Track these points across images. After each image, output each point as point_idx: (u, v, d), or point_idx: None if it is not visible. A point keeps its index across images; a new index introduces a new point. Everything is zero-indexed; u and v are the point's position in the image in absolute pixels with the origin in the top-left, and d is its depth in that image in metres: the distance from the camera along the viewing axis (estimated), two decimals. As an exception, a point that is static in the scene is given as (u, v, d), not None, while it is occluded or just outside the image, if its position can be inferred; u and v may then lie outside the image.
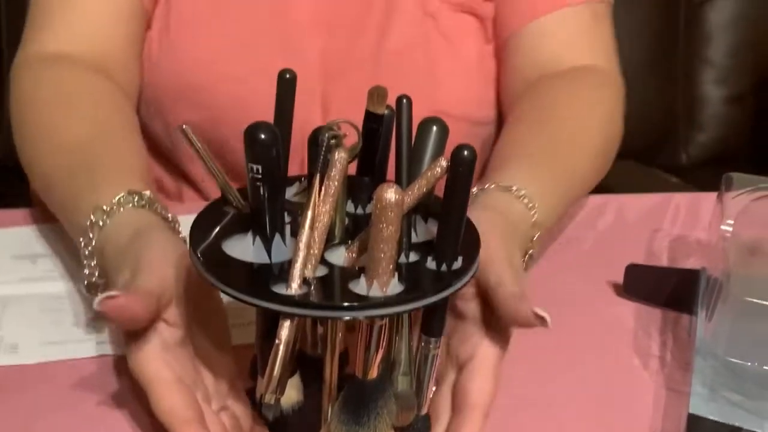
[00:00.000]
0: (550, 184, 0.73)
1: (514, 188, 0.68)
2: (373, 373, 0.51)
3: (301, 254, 0.49)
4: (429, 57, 0.89)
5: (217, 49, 0.87)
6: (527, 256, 0.68)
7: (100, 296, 0.52)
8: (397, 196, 0.46)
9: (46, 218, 0.80)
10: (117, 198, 0.64)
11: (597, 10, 0.91)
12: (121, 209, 0.64)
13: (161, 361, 0.55)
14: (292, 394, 0.54)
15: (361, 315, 0.48)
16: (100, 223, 0.63)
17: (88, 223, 0.64)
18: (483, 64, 0.92)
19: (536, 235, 0.69)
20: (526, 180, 0.70)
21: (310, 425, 0.54)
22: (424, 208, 0.54)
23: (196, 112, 0.87)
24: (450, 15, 0.90)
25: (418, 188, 0.51)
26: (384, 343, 0.51)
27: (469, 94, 0.91)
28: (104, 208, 0.64)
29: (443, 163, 0.51)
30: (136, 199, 0.64)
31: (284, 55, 0.87)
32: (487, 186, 0.69)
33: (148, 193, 0.65)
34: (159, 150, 0.93)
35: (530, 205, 0.68)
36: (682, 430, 0.59)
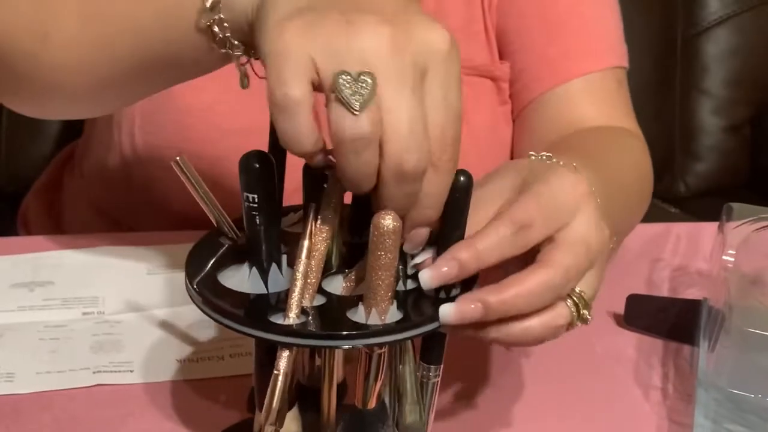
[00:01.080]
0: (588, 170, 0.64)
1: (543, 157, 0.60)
2: (372, 402, 0.50)
3: (299, 283, 0.48)
4: None
5: (217, 100, 0.85)
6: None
7: None
8: (394, 224, 0.46)
9: (43, 247, 0.79)
10: None
11: (620, 75, 0.90)
12: None
13: None
14: (291, 426, 0.54)
15: (359, 343, 0.48)
16: None
17: None
18: (496, 129, 0.90)
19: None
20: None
21: None
22: None
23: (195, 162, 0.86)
24: (465, 79, 0.88)
25: None
26: (383, 373, 0.50)
27: (480, 161, 0.88)
28: None
29: None
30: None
31: None
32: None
33: None
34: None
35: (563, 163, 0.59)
36: (685, 462, 0.59)
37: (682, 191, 1.72)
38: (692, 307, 0.73)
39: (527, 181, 0.54)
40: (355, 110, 0.45)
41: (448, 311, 0.49)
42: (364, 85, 0.45)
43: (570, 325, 0.53)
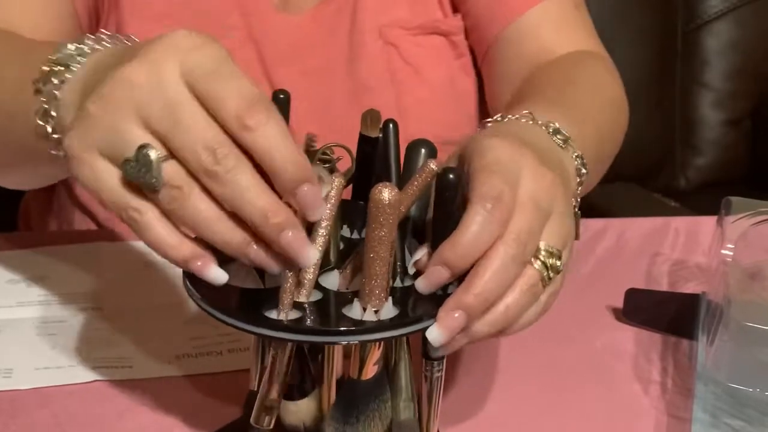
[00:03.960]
0: (574, 118, 0.66)
1: (518, 118, 0.60)
2: (367, 374, 0.50)
3: (291, 279, 0.48)
4: (396, 89, 0.87)
5: None
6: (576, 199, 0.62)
7: None
8: (391, 197, 0.46)
9: (41, 242, 0.79)
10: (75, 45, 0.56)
11: None
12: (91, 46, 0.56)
13: None
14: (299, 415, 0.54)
15: (354, 340, 0.48)
16: (84, 49, 0.55)
17: (57, 58, 0.55)
18: (454, 84, 0.90)
19: (575, 153, 0.60)
20: (547, 114, 0.61)
21: None
22: (419, 231, 0.54)
23: None
24: (412, 40, 0.88)
25: (410, 192, 0.51)
26: (380, 347, 0.50)
27: (439, 118, 0.89)
28: (72, 47, 0.56)
29: (432, 165, 0.50)
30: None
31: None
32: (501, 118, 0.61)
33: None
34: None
35: (554, 127, 0.60)
36: (683, 457, 0.59)
37: (682, 185, 1.72)
38: (691, 301, 0.73)
39: (466, 158, 0.52)
40: (156, 188, 0.46)
41: (435, 333, 0.47)
42: (145, 158, 0.46)
43: (544, 281, 0.51)
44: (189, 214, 0.46)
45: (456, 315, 0.47)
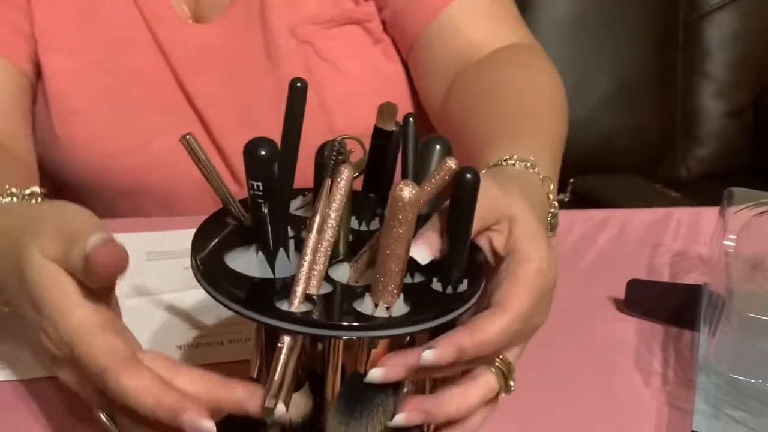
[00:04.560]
0: (532, 140, 0.70)
1: (507, 160, 0.64)
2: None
3: (306, 264, 0.48)
4: (316, 87, 0.86)
5: (107, 129, 0.87)
6: (551, 221, 0.65)
7: (96, 240, 0.49)
8: (412, 195, 0.46)
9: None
10: None
11: None
12: None
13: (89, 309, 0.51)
14: (301, 407, 0.54)
15: (365, 335, 0.48)
16: None
17: None
18: (378, 71, 0.90)
19: (551, 190, 0.65)
20: (510, 148, 0.66)
21: None
22: None
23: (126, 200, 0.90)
24: (326, 34, 0.88)
25: (428, 189, 0.51)
26: (388, 343, 0.50)
27: (368, 110, 0.88)
28: None
29: (451, 163, 0.50)
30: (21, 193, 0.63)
31: (178, 113, 0.87)
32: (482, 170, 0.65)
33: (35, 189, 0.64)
34: None
35: (529, 165, 0.64)
36: (685, 448, 0.59)
37: (684, 175, 1.71)
38: (693, 292, 0.73)
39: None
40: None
41: (427, 356, 0.48)
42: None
43: (494, 397, 0.54)
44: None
45: (451, 350, 0.48)
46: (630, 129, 1.65)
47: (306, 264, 0.48)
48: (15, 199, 0.63)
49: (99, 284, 0.50)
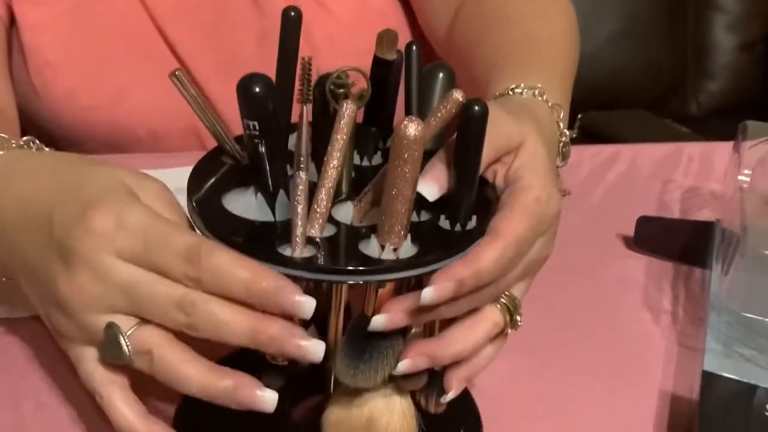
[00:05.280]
0: (540, 67, 0.68)
1: (515, 89, 0.62)
2: (380, 311, 0.48)
3: (301, 215, 0.46)
4: (303, 28, 0.85)
5: (86, 81, 0.84)
6: (563, 149, 0.64)
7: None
8: (417, 132, 0.44)
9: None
10: None
11: None
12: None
13: None
14: None
15: (373, 279, 0.46)
16: None
17: None
18: (366, 6, 0.87)
19: (561, 118, 0.63)
20: (518, 77, 0.64)
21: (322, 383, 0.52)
22: None
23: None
24: None
25: (433, 124, 0.49)
26: (397, 285, 0.48)
27: (357, 47, 0.83)
28: None
29: (457, 95, 0.48)
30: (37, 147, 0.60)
31: (159, 63, 0.84)
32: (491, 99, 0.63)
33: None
34: None
35: (537, 92, 0.63)
36: (695, 387, 0.57)
37: (694, 111, 1.69)
38: (704, 228, 0.71)
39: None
40: (129, 361, 0.47)
41: (427, 294, 0.46)
42: (113, 337, 0.47)
43: (501, 334, 0.52)
44: (163, 373, 0.47)
45: (450, 284, 0.46)
46: (639, 63, 1.63)
47: (301, 209, 0.46)
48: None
49: None
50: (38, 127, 0.88)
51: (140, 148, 0.88)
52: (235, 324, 0.45)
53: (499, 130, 0.50)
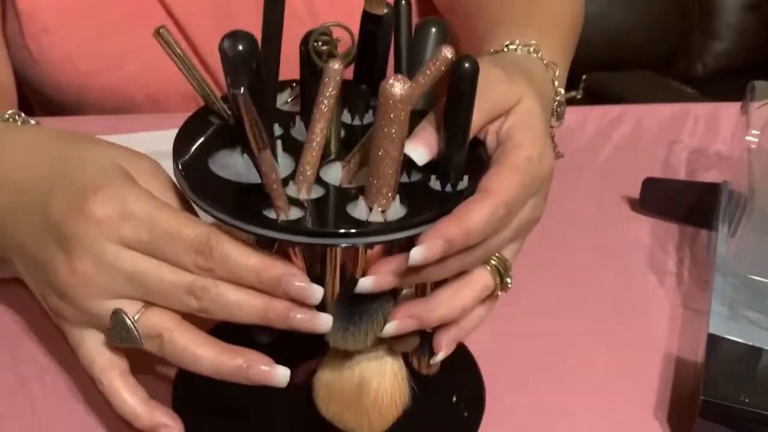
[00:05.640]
0: (537, 24, 0.67)
1: (509, 45, 0.61)
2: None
3: (274, 176, 0.45)
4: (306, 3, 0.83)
5: (82, 46, 0.83)
6: (557, 109, 0.62)
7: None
8: (404, 91, 0.42)
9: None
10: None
11: None
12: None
13: None
14: None
15: (360, 242, 0.45)
16: None
17: None
18: None
19: (556, 76, 0.61)
20: (514, 34, 0.62)
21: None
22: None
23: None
24: None
25: (422, 82, 0.47)
26: (385, 248, 0.48)
27: (353, 6, 0.85)
28: None
29: (447, 52, 0.47)
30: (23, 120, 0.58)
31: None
32: (488, 53, 0.62)
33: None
34: None
35: (532, 49, 0.61)
36: (700, 350, 0.57)
37: (699, 71, 1.68)
38: (710, 190, 0.70)
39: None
40: (139, 345, 0.47)
41: (416, 254, 0.45)
42: (121, 322, 0.47)
43: (491, 296, 0.50)
44: (175, 355, 0.47)
45: (438, 242, 0.45)
46: (645, 24, 1.61)
47: (274, 177, 0.45)
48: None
49: None
50: (36, 91, 0.86)
51: (139, 113, 0.86)
52: (246, 304, 0.46)
53: (491, 94, 0.49)
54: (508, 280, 0.50)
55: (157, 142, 0.77)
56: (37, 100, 0.88)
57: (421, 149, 0.47)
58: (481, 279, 0.50)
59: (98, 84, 0.85)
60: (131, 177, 0.48)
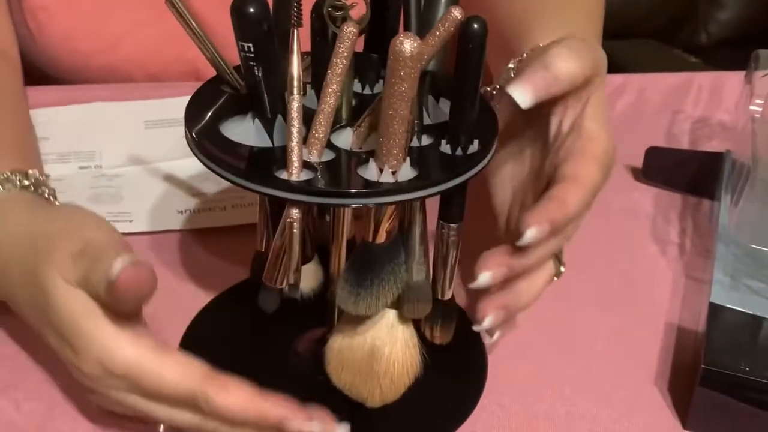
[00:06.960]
0: (582, 20, 0.68)
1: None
2: (382, 237, 0.48)
3: (297, 137, 0.45)
4: None
5: (82, 25, 0.83)
6: None
7: (119, 264, 0.44)
8: (413, 48, 0.42)
9: (36, 102, 0.76)
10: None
11: None
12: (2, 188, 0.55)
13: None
14: (310, 281, 0.52)
15: (370, 202, 0.45)
16: None
17: None
18: None
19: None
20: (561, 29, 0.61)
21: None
22: (435, 87, 0.51)
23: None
24: None
25: (431, 43, 0.47)
26: (396, 210, 0.48)
27: None
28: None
29: (456, 13, 0.46)
30: (19, 179, 0.56)
31: (156, 4, 0.83)
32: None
33: (34, 172, 0.57)
34: None
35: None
36: (702, 319, 0.57)
37: (704, 41, 1.66)
38: (713, 160, 0.70)
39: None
40: None
41: (530, 234, 0.46)
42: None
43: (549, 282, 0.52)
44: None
45: (546, 225, 0.46)
46: (649, -8, 1.60)
47: (296, 132, 0.45)
48: (13, 187, 0.56)
49: (125, 309, 0.46)
50: (36, 68, 0.86)
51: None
52: None
53: (592, 54, 0.50)
54: (562, 268, 0.53)
55: (157, 110, 0.77)
56: (36, 75, 0.88)
57: (529, 92, 0.48)
58: (549, 267, 0.52)
59: (98, 63, 0.84)
60: (93, 312, 0.46)
